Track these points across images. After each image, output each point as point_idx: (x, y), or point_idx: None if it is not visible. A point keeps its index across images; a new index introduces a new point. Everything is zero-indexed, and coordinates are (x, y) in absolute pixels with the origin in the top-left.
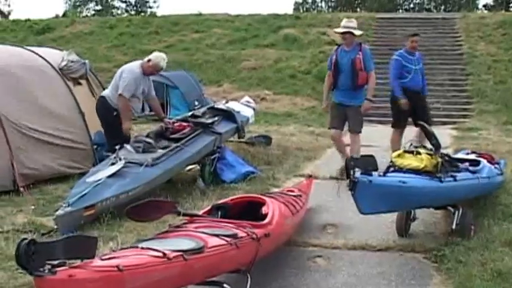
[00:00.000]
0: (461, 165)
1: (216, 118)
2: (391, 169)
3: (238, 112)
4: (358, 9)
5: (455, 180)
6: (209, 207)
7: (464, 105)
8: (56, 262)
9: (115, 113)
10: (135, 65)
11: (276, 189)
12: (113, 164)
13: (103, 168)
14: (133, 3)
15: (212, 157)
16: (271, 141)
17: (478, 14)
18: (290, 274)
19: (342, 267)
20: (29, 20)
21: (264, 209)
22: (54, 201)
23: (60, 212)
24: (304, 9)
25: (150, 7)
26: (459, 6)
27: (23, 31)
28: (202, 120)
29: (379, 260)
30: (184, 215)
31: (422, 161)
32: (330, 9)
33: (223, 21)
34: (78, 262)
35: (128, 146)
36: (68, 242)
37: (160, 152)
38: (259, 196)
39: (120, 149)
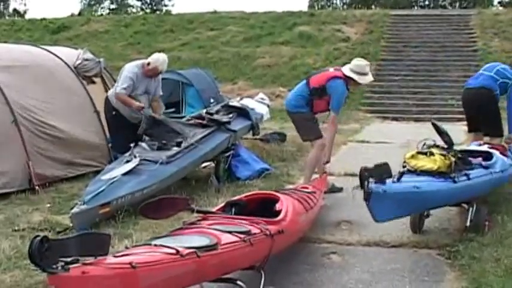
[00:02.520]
0: (474, 161)
1: (230, 116)
2: (405, 171)
3: (252, 109)
4: (373, 6)
5: (468, 178)
6: (223, 204)
7: None
8: (69, 259)
9: (114, 113)
10: (135, 64)
11: (290, 186)
12: (127, 161)
13: (118, 166)
14: (148, 1)
15: (227, 154)
16: (286, 138)
17: (492, 11)
18: (304, 270)
19: (355, 264)
20: (44, 19)
21: (277, 206)
22: (69, 200)
23: (75, 210)
24: (319, 6)
25: (165, 5)
26: (474, 3)
27: (38, 30)
28: (217, 117)
29: (393, 257)
30: (198, 212)
31: (435, 162)
32: (345, 6)
33: (238, 18)
34: (91, 259)
35: (142, 144)
36: (81, 239)
37: (175, 149)
38: (273, 193)
39: (135, 146)
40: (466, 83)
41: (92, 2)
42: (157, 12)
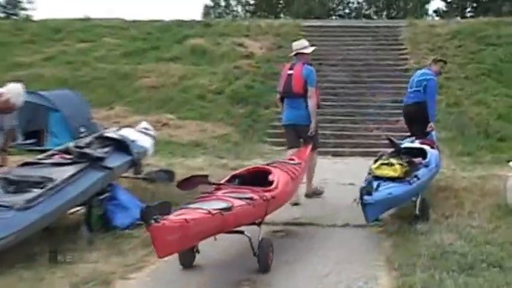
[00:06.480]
0: (417, 162)
1: (106, 150)
2: (371, 178)
3: (133, 141)
4: (282, 15)
5: (418, 179)
6: (229, 177)
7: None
8: (155, 217)
9: None
10: None
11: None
12: None
13: None
14: (2, 4)
15: (101, 197)
16: (175, 177)
17: (427, 22)
18: None
19: None
20: None
21: (270, 177)
22: None
23: None
24: (216, 14)
25: (24, 9)
26: (405, 12)
27: None
28: (89, 152)
29: None
30: (213, 184)
31: (396, 171)
32: (248, 15)
33: (116, 28)
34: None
35: None
36: (159, 206)
37: (36, 191)
38: (267, 167)
39: None
40: (403, 101)
41: None
42: (14, 17)
